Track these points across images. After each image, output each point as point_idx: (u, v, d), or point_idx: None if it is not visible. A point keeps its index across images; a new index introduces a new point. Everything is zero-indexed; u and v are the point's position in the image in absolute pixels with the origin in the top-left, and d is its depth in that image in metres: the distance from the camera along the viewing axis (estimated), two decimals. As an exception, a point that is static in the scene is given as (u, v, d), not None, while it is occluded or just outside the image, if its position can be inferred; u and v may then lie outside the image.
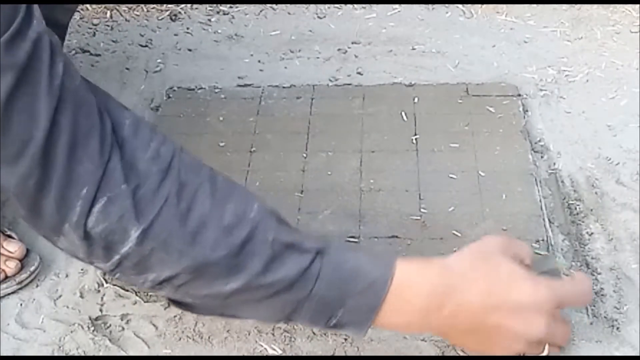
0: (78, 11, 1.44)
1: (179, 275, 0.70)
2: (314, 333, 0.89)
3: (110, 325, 0.91)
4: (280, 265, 0.71)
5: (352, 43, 1.33)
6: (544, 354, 0.81)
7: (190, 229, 0.68)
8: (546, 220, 0.97)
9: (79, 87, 0.68)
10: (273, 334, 0.89)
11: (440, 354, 0.86)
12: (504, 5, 1.39)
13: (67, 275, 0.97)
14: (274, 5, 1.43)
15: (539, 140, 1.12)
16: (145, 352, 0.88)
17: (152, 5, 1.42)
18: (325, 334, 0.88)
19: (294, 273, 0.71)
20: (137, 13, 1.42)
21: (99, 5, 1.44)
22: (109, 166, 0.67)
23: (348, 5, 1.42)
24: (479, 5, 1.40)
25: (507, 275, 0.77)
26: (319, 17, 1.41)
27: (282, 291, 0.72)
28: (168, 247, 0.68)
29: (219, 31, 1.39)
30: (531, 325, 0.77)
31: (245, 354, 0.87)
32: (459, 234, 0.95)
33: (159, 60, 1.32)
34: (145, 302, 0.92)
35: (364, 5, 1.42)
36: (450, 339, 0.82)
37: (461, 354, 0.86)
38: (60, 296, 0.95)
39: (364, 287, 0.73)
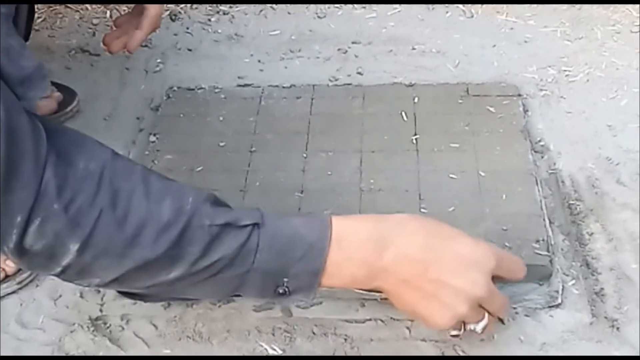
0: (78, 11, 1.45)
1: (123, 275, 0.72)
2: (313, 333, 0.89)
3: (110, 325, 0.91)
4: (218, 246, 0.72)
5: (352, 43, 1.34)
6: (482, 323, 0.80)
7: (128, 233, 0.70)
8: (546, 220, 0.97)
9: (10, 110, 0.65)
10: (273, 334, 0.89)
11: (440, 354, 0.86)
12: (504, 5, 1.39)
13: (67, 275, 0.97)
14: (274, 5, 1.43)
15: (539, 140, 1.12)
16: (145, 352, 0.88)
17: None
18: (325, 334, 0.89)
19: (232, 250, 0.73)
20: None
21: (99, 5, 1.44)
22: (42, 187, 0.67)
23: (348, 5, 1.42)
24: (479, 5, 1.40)
25: (446, 232, 0.78)
26: (319, 17, 1.41)
27: (224, 269, 0.73)
28: (109, 253, 0.70)
29: (219, 31, 1.39)
30: (472, 282, 0.76)
31: (245, 354, 0.87)
32: (459, 234, 0.95)
33: (159, 60, 1.32)
34: (145, 302, 0.92)
35: (364, 5, 1.42)
36: (394, 298, 0.80)
37: (461, 354, 0.86)
38: (60, 296, 0.95)
39: (304, 252, 0.74)
